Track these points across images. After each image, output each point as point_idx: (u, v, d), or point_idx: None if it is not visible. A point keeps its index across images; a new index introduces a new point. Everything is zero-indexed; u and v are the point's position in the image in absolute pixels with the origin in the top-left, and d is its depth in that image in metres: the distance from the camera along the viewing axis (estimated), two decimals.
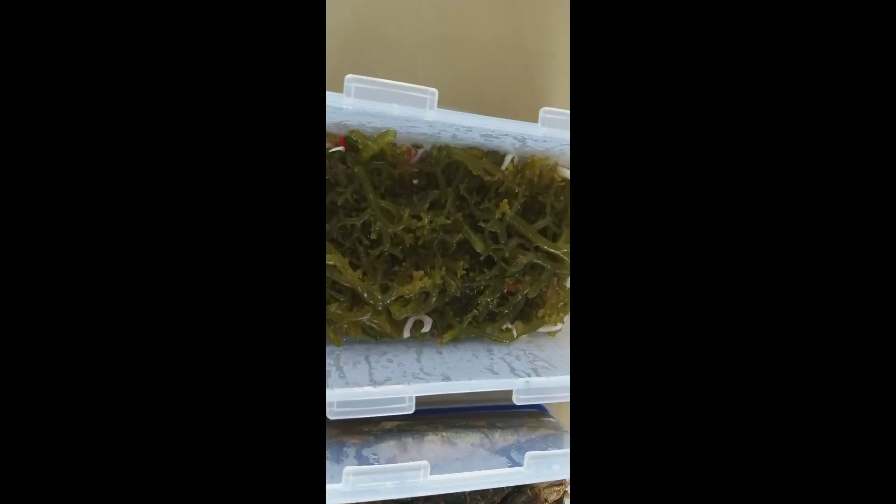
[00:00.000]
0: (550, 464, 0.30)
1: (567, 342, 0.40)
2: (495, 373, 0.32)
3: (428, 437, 0.34)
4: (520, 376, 0.31)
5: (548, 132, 0.29)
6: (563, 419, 0.41)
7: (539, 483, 0.38)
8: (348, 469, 0.27)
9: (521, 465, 0.30)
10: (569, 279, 0.40)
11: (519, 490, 0.38)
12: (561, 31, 0.43)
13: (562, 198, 0.38)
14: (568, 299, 0.40)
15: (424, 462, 0.28)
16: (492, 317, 0.38)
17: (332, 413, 0.27)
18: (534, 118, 0.29)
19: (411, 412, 0.28)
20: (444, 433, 0.34)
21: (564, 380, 0.31)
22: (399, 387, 0.28)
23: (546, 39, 0.43)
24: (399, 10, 0.39)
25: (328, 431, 0.34)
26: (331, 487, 0.27)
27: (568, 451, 0.31)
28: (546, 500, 0.39)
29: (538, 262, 0.37)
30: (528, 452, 0.30)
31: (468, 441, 0.34)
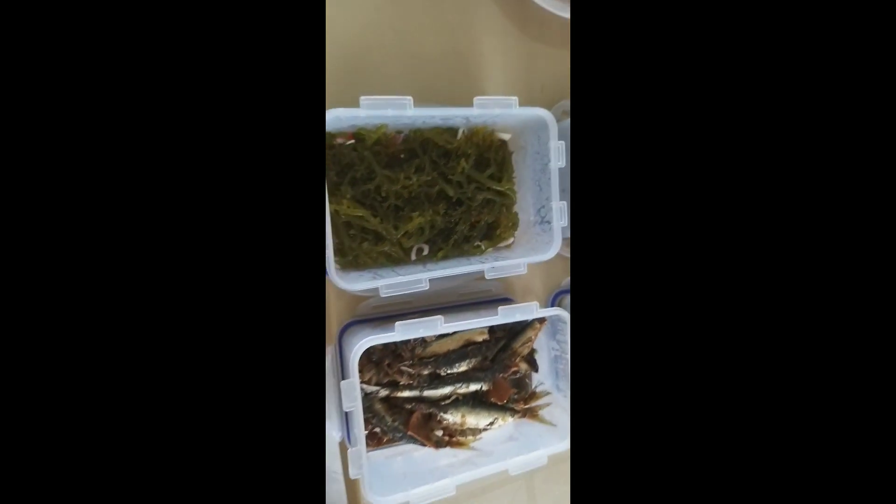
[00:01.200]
0: (514, 313, 0.50)
1: (517, 250, 0.59)
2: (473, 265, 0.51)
3: (436, 317, 0.53)
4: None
5: (481, 112, 0.48)
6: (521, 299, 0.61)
7: (515, 342, 0.58)
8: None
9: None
10: (514, 207, 0.59)
11: (502, 349, 0.58)
12: (484, 40, 0.61)
13: (500, 152, 0.57)
14: (515, 220, 0.59)
15: (439, 316, 0.47)
16: (467, 239, 0.57)
17: (383, 292, 0.45)
18: (471, 104, 0.48)
19: (426, 288, 0.47)
20: (446, 316, 0.54)
21: (518, 261, 0.51)
22: (417, 275, 0.47)
23: (476, 47, 0.61)
24: (375, 42, 0.57)
25: (371, 326, 0.52)
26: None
27: (522, 304, 0.51)
28: (519, 354, 0.58)
29: (490, 197, 0.56)
30: (499, 307, 0.49)
31: (464, 317, 0.54)
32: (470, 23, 0.61)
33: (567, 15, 0.60)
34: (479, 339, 0.56)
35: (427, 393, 0.54)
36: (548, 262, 0.66)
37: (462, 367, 0.55)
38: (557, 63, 0.66)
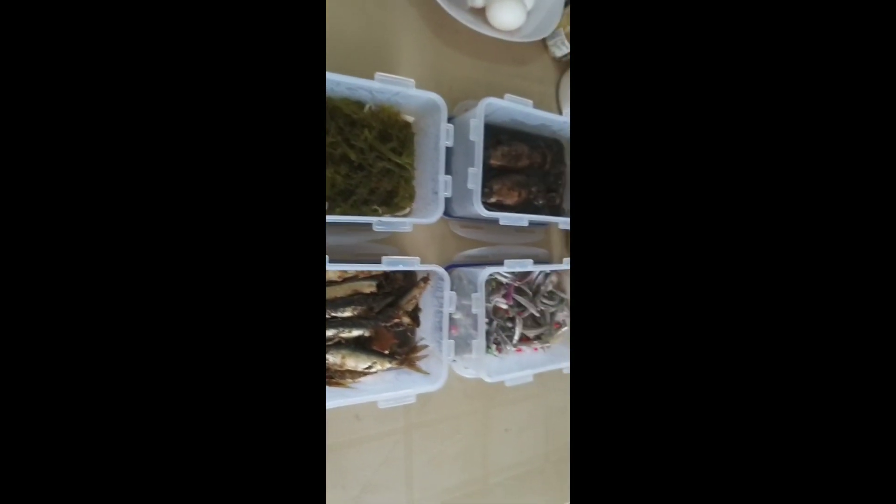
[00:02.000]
0: (397, 264, 0.57)
1: (408, 219, 0.66)
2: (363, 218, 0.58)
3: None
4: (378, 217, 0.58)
5: (382, 86, 0.56)
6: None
7: (402, 300, 0.65)
8: None
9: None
10: (413, 181, 0.67)
11: (390, 304, 0.65)
12: (401, 37, 0.70)
13: (404, 131, 0.65)
14: (413, 193, 0.67)
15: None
16: (366, 202, 0.64)
17: None
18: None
19: None
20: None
21: (405, 220, 0.58)
22: None
23: (392, 41, 0.70)
24: None
25: None
26: None
27: (405, 257, 0.58)
28: (404, 309, 0.65)
29: (390, 167, 0.64)
30: (383, 257, 0.57)
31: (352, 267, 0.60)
32: (388, 19, 0.70)
33: (477, 28, 0.71)
34: (367, 290, 0.63)
35: None
36: (443, 239, 0.74)
37: (347, 313, 0.61)
38: (465, 69, 0.77)
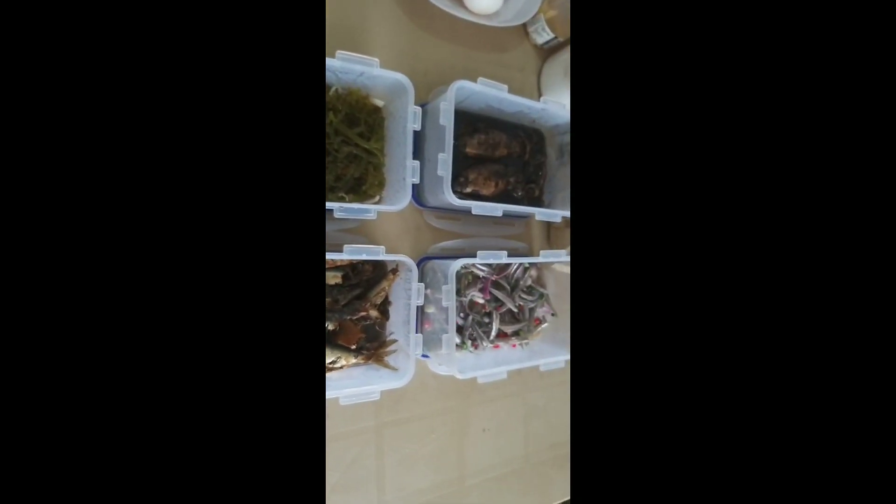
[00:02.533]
0: (360, 253, 0.55)
1: (372, 206, 0.64)
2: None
3: None
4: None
5: (343, 65, 0.53)
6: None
7: (370, 292, 0.62)
8: None
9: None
10: (384, 168, 0.64)
11: (357, 297, 0.62)
12: (374, 21, 0.68)
13: (373, 116, 0.62)
14: (382, 180, 0.64)
15: None
16: (332, 189, 0.61)
17: None
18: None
19: None
20: None
21: (369, 207, 0.56)
22: None
23: (365, 26, 0.67)
24: None
25: None
26: None
27: (369, 246, 0.55)
28: (372, 302, 0.63)
29: (357, 153, 0.61)
30: (345, 245, 0.54)
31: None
32: (361, 2, 0.67)
33: (454, 12, 0.68)
34: (332, 281, 0.60)
35: None
36: (418, 230, 0.72)
37: None
38: (442, 54, 0.74)
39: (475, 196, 0.70)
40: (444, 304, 0.60)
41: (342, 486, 0.65)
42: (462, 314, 0.72)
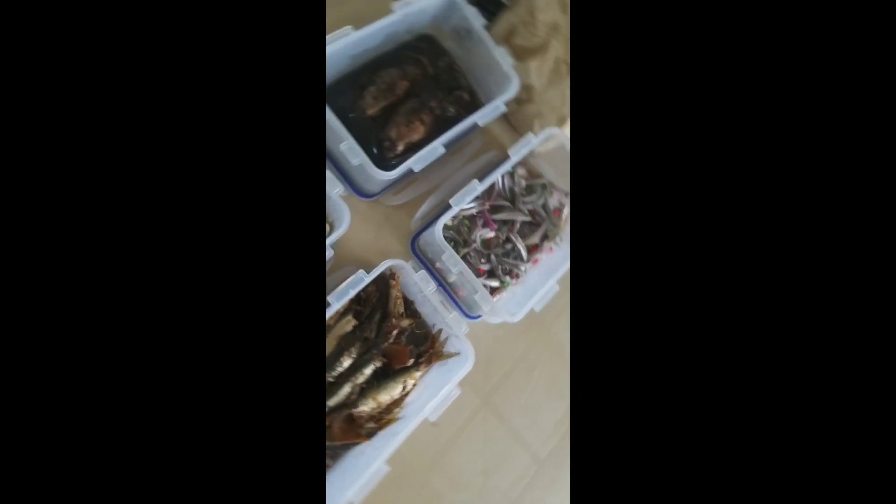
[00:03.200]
0: (346, 293, 0.50)
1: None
2: None
3: None
4: None
5: None
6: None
7: (388, 306, 0.59)
8: None
9: None
10: None
11: (380, 321, 0.58)
12: None
13: None
14: None
15: None
16: None
17: None
18: None
19: None
20: None
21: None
22: None
23: None
24: None
25: None
26: None
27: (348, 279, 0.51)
28: (396, 314, 0.59)
29: None
30: (328, 298, 0.49)
31: None
32: None
33: None
34: (349, 328, 0.57)
35: (331, 403, 0.54)
36: (386, 218, 0.65)
37: (347, 362, 0.55)
38: None
39: (412, 148, 0.61)
40: (454, 269, 0.55)
41: (493, 466, 0.66)
42: (484, 258, 0.67)
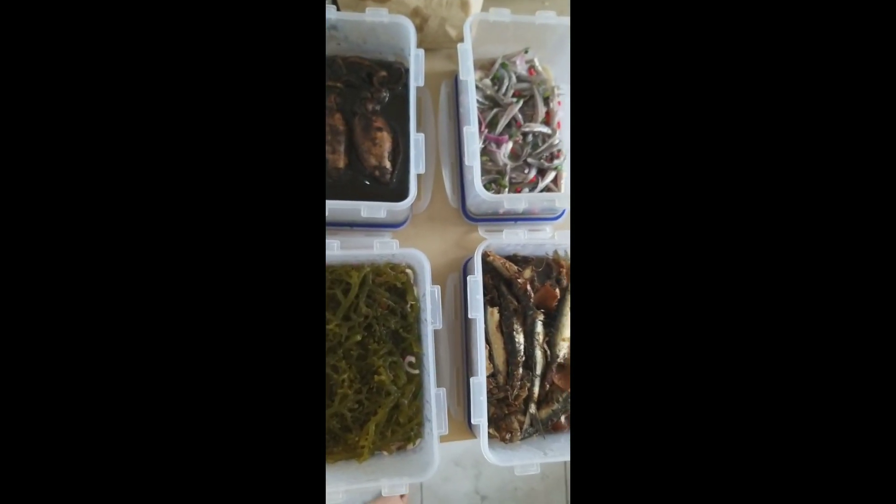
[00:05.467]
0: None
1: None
2: None
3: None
4: None
5: None
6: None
7: (502, 272, 0.60)
8: None
9: None
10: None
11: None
12: None
13: None
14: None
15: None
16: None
17: None
18: None
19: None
20: None
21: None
22: None
23: None
24: None
25: None
26: None
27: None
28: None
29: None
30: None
31: None
32: None
33: None
34: (497, 317, 0.59)
35: (538, 371, 0.58)
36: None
37: (520, 339, 0.58)
38: None
39: (394, 154, 0.59)
40: (519, 207, 0.54)
41: None
42: (523, 167, 0.65)
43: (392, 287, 0.58)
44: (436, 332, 0.53)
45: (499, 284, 0.60)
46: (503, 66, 0.67)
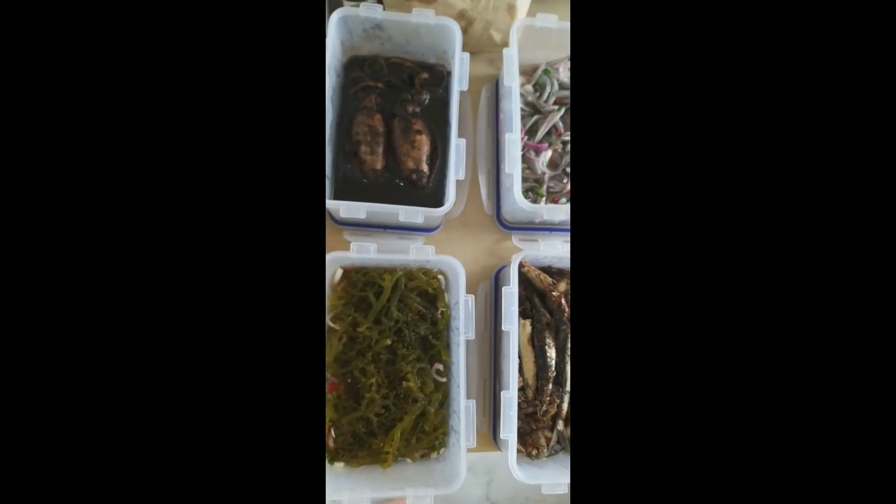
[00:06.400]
0: None
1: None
2: None
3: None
4: None
5: None
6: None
7: (537, 284, 0.59)
8: None
9: None
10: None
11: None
12: None
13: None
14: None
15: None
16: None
17: None
18: None
19: None
20: None
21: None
22: None
23: None
24: None
25: None
26: None
27: None
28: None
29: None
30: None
31: None
32: None
33: None
34: (528, 329, 0.58)
35: (568, 388, 0.57)
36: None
37: (552, 353, 0.57)
38: None
39: (432, 158, 0.59)
40: (564, 216, 0.53)
41: None
42: (562, 177, 0.63)
43: (423, 292, 0.57)
44: (466, 342, 0.52)
45: (532, 296, 0.59)
46: (546, 72, 0.66)
